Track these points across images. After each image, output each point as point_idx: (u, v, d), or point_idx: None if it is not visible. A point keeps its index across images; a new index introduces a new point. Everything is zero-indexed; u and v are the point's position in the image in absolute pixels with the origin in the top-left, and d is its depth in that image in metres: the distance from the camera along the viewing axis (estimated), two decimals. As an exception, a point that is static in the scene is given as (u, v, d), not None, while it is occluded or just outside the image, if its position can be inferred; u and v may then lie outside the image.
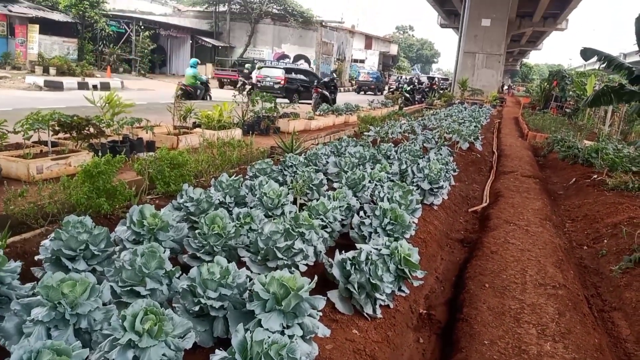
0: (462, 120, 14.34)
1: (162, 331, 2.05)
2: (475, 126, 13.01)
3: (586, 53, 8.57)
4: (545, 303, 3.90)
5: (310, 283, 2.51)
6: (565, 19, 45.86)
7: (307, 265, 3.55)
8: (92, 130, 6.72)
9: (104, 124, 7.09)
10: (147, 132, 7.83)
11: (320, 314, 2.53)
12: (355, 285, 3.15)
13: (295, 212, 4.42)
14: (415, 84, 30.51)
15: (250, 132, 10.40)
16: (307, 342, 2.49)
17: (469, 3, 32.98)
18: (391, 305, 3.48)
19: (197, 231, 3.38)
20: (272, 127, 11.41)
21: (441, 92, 34.08)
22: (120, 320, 2.04)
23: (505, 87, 54.28)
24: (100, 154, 6.94)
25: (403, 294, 3.61)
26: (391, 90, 29.44)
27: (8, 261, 2.60)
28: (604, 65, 8.50)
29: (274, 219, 4.15)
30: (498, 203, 7.08)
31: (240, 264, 3.31)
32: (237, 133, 9.50)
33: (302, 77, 24.87)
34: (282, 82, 23.32)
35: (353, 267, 3.24)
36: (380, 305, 3.34)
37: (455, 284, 4.63)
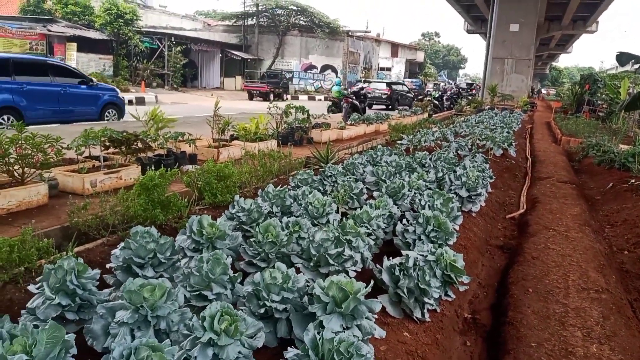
0: (494, 127, 14.32)
1: (238, 331, 2.24)
2: (507, 132, 12.99)
3: (622, 58, 8.54)
4: (589, 307, 3.96)
5: (366, 287, 2.67)
6: (595, 21, 45.08)
7: (355, 271, 3.72)
8: (139, 145, 7.05)
9: (150, 139, 7.42)
10: (189, 146, 8.14)
11: (376, 316, 2.69)
12: (405, 290, 3.30)
13: (341, 221, 4.60)
14: (452, 91, 31.20)
15: (286, 143, 10.67)
16: (364, 342, 2.65)
17: (497, 8, 32.79)
18: (438, 310, 3.61)
19: (252, 239, 3.58)
20: (305, 138, 11.64)
21: (470, 98, 33.88)
22: (200, 321, 2.24)
23: (536, 91, 53.55)
24: (148, 167, 7.28)
25: (449, 299, 3.73)
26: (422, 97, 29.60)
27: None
28: (640, 69, 8.45)
29: (321, 227, 4.34)
30: (535, 209, 7.11)
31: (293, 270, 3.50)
32: (273, 144, 9.76)
33: (399, 87, 31.27)
34: (389, 93, 29.69)
35: (402, 272, 3.39)
36: (428, 310, 3.48)
37: (497, 290, 4.72)
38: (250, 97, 34.26)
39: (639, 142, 12.01)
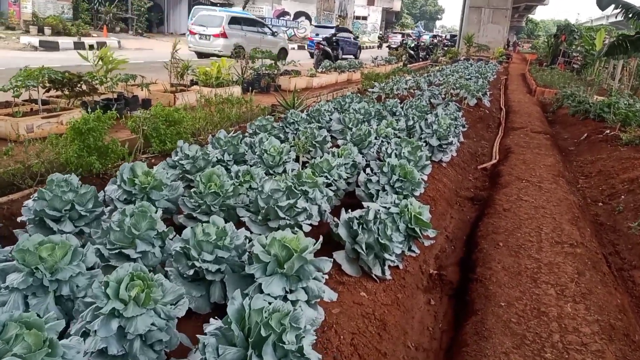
0: (469, 77, 13.89)
1: (151, 298, 1.84)
2: (482, 82, 12.59)
3: (602, 2, 8.11)
4: (563, 262, 3.69)
5: (315, 244, 2.29)
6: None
7: (311, 225, 3.33)
8: (84, 87, 6.42)
9: (97, 81, 6.77)
10: (142, 90, 7.50)
11: (326, 276, 2.32)
12: (363, 246, 2.94)
13: (298, 170, 4.18)
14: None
15: (249, 90, 10.08)
16: (312, 307, 2.29)
17: (476, -46, 31.75)
18: (401, 266, 3.28)
19: (192, 190, 3.14)
20: (273, 85, 11.04)
21: (446, 48, 33.22)
22: (102, 287, 1.82)
23: (511, 43, 53.01)
24: (93, 111, 6.67)
25: (413, 254, 3.40)
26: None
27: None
28: (621, 15, 8.07)
29: (275, 177, 3.92)
30: (508, 160, 6.81)
31: (240, 224, 3.09)
32: (236, 90, 9.16)
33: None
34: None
35: (360, 226, 3.02)
36: (389, 266, 3.14)
37: (466, 243, 4.43)
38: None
39: (614, 93, 11.79)
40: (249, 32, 18.75)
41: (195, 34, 18.40)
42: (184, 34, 35.84)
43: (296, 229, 3.15)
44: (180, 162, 3.71)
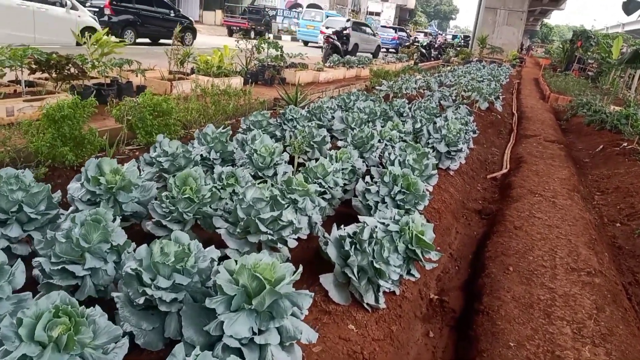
0: (481, 79, 13.43)
1: (76, 342, 1.46)
2: (495, 85, 12.13)
3: (629, 5, 7.66)
4: (579, 293, 3.29)
5: (294, 273, 1.90)
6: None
7: (298, 239, 2.95)
8: (73, 70, 6.03)
9: (89, 65, 6.38)
10: (137, 76, 7.11)
11: (306, 312, 1.93)
12: (355, 270, 2.54)
13: (290, 174, 3.80)
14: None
15: (255, 82, 9.70)
16: (286, 349, 1.90)
17: (494, -45, 31.12)
18: (397, 292, 2.89)
19: (164, 194, 2.75)
20: (277, 78, 10.62)
21: (458, 49, 32.64)
22: (15, 325, 1.44)
23: (525, 47, 52.24)
24: (82, 97, 6.29)
25: (412, 279, 3.00)
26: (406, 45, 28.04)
27: None
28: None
29: (260, 182, 3.53)
30: (520, 170, 6.39)
31: (218, 236, 2.71)
32: (237, 81, 8.75)
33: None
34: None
35: (353, 246, 2.62)
36: (384, 292, 2.75)
37: (472, 263, 4.03)
38: (230, 34, 32.23)
39: (632, 104, 11.32)
40: (361, 33, 23.73)
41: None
42: (196, 21, 35.31)
43: (280, 244, 2.77)
44: (157, 159, 3.32)
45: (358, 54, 19.82)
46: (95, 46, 7.06)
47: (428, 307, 3.22)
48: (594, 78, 22.53)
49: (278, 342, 1.81)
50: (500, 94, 10.93)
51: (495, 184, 6.30)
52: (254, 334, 1.78)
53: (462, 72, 14.97)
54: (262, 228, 2.57)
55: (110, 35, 7.46)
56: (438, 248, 3.88)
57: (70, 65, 5.97)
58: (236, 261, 1.90)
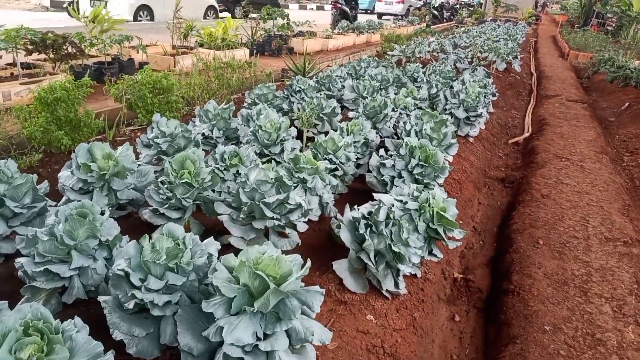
0: (497, 38, 12.87)
1: (48, 365, 1.25)
2: (512, 44, 11.59)
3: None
4: (617, 266, 3.03)
5: (303, 267, 1.67)
6: None
7: (308, 222, 2.73)
8: (71, 49, 5.79)
9: (87, 43, 6.13)
10: (137, 52, 6.84)
11: (318, 310, 1.71)
12: (371, 255, 2.31)
13: (298, 150, 3.55)
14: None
15: (262, 53, 9.37)
16: (297, 352, 1.69)
17: None
18: (419, 274, 2.66)
19: (160, 179, 2.53)
20: (285, 48, 10.26)
21: (471, 9, 31.58)
22: (-22, 347, 1.24)
23: (540, 4, 50.43)
24: (82, 77, 6.06)
25: (435, 259, 2.76)
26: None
27: None
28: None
29: (266, 161, 3.30)
30: (543, 133, 6.05)
31: (221, 223, 2.49)
32: (242, 53, 8.44)
33: None
34: None
35: (369, 229, 2.38)
36: (405, 276, 2.52)
37: (497, 237, 3.77)
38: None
39: (659, 57, 10.75)
40: None
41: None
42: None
43: (289, 229, 2.54)
44: (155, 140, 3.09)
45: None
46: (94, 23, 6.81)
47: (452, 288, 2.99)
48: (614, 33, 21.61)
49: (286, 346, 1.60)
50: (518, 54, 10.43)
51: (518, 149, 5.98)
52: (259, 339, 1.56)
53: (476, 32, 14.39)
54: (268, 213, 2.34)
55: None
56: (460, 222, 3.64)
57: (67, 44, 5.72)
58: (237, 254, 1.68)
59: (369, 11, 29.43)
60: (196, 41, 8.77)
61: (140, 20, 14.99)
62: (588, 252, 3.18)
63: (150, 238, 1.77)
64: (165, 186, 2.48)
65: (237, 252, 1.69)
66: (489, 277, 3.19)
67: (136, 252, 1.73)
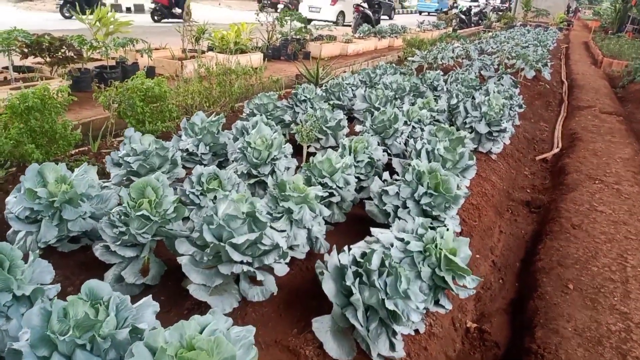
0: (526, 44, 12.26)
1: None
2: (542, 51, 10.99)
3: None
4: (663, 321, 2.53)
5: (249, 356, 1.25)
6: None
7: (293, 260, 2.31)
8: (68, 53, 5.51)
9: (88, 46, 5.84)
10: (142, 56, 6.54)
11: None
12: (360, 313, 1.88)
13: (293, 170, 3.14)
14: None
15: (278, 57, 9.02)
16: None
17: None
18: (422, 329, 2.22)
19: (115, 209, 2.15)
20: (302, 52, 9.89)
21: (500, 13, 30.78)
22: None
23: (572, 9, 49.12)
24: (82, 82, 5.78)
25: (442, 310, 2.31)
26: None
27: None
28: None
29: (256, 182, 2.91)
30: (575, 149, 5.51)
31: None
32: (254, 58, 8.08)
33: None
34: None
35: (358, 278, 1.95)
36: (403, 335, 2.08)
37: (520, 274, 3.29)
38: (262, 8, 31.57)
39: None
40: None
41: None
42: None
43: (262, 275, 2.12)
44: (125, 158, 2.71)
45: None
46: (99, 25, 6.54)
47: (464, 341, 2.53)
48: (650, 39, 20.65)
49: None
50: (548, 61, 9.84)
51: (546, 167, 5.45)
52: None
53: (504, 37, 13.80)
54: (236, 256, 1.93)
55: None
56: (478, 256, 3.17)
57: (65, 47, 5.43)
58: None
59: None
60: (208, 45, 8.47)
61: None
62: (627, 300, 2.69)
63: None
64: (120, 218, 2.10)
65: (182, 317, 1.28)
66: (509, 327, 2.72)
67: (42, 321, 1.35)
